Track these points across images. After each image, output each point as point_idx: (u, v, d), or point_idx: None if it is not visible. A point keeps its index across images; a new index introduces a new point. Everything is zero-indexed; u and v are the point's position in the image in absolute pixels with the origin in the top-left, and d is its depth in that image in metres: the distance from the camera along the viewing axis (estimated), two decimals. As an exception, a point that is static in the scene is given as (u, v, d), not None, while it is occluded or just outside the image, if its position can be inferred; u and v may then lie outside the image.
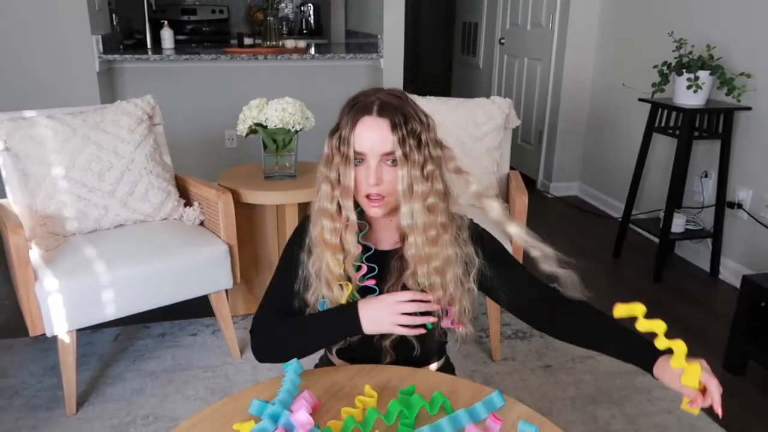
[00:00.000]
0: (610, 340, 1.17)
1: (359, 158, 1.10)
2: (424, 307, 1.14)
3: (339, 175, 1.12)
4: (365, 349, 1.24)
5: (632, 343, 1.13)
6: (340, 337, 1.20)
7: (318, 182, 1.16)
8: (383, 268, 1.20)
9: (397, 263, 1.20)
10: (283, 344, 1.19)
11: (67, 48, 3.45)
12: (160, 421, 2.02)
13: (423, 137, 1.10)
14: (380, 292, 1.18)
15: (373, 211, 1.14)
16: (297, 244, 1.24)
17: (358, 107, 1.11)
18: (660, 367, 1.07)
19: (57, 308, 1.93)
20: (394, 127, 1.08)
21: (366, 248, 1.20)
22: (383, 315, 1.13)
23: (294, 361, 1.09)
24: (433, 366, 1.34)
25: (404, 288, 1.19)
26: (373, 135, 1.08)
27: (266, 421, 0.99)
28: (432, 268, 1.15)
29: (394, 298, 1.14)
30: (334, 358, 1.33)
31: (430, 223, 1.12)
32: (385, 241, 1.23)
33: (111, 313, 2.04)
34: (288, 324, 1.21)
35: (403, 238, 1.18)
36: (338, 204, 1.13)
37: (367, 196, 1.12)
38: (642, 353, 1.11)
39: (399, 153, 1.08)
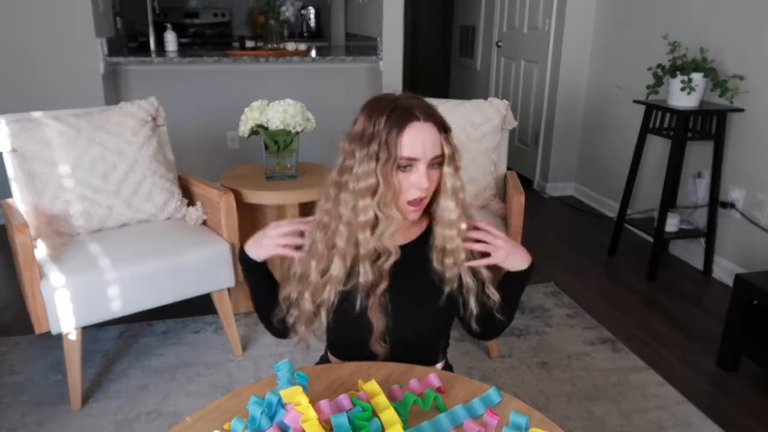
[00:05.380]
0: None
1: (408, 164, 1.08)
2: (302, 227, 1.21)
3: (378, 182, 1.08)
4: (358, 348, 1.23)
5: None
6: (248, 276, 1.28)
7: (335, 192, 1.13)
8: (397, 261, 1.18)
9: (417, 254, 1.20)
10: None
11: (73, 51, 3.45)
12: (164, 417, 2.02)
13: (453, 136, 1.14)
14: (396, 284, 1.18)
15: (413, 215, 1.15)
16: None
17: (400, 112, 1.07)
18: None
19: (62, 306, 1.93)
20: (441, 129, 1.10)
21: None
22: (263, 238, 1.21)
23: (285, 361, 1.09)
24: (439, 366, 1.35)
25: (429, 274, 1.20)
26: (426, 140, 1.08)
27: (260, 418, 0.99)
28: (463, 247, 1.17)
29: (274, 225, 1.22)
30: (331, 357, 1.34)
31: (461, 215, 1.16)
32: (397, 236, 1.21)
33: (115, 310, 2.04)
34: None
35: (423, 228, 1.22)
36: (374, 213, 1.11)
37: (410, 202, 1.12)
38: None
39: (448, 151, 1.11)
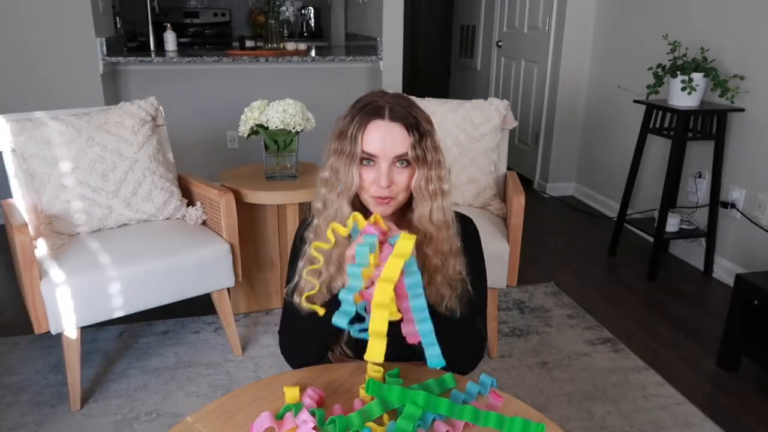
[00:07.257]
0: None
1: (369, 159, 1.11)
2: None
3: (337, 173, 1.12)
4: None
5: None
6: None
7: (319, 186, 1.17)
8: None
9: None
10: (302, 350, 1.23)
11: (72, 50, 3.45)
12: (163, 417, 2.02)
13: (433, 139, 1.13)
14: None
15: (380, 209, 1.14)
16: (295, 254, 1.25)
17: (369, 109, 1.11)
18: None
19: (62, 306, 1.93)
20: (409, 129, 1.09)
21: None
22: None
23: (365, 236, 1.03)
24: None
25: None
26: (385, 138, 1.09)
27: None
28: (439, 261, 1.16)
29: None
30: (334, 356, 1.33)
31: (443, 221, 1.14)
32: None
33: (115, 310, 2.04)
34: (298, 331, 1.23)
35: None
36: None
37: (375, 197, 1.13)
38: None
39: (413, 154, 1.09)
